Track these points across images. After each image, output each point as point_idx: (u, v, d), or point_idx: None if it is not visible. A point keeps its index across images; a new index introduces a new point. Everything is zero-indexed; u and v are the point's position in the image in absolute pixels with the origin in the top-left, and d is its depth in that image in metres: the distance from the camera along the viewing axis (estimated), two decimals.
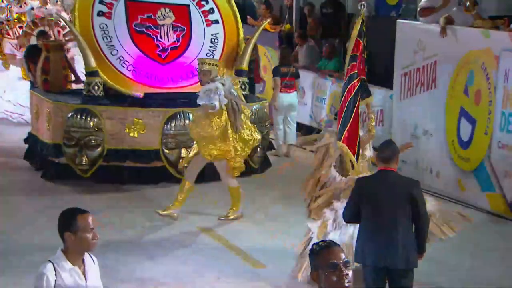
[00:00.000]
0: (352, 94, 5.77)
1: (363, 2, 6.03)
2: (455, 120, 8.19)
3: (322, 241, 3.05)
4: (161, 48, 8.85)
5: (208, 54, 9.04)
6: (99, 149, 8.30)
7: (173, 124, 8.35)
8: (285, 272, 5.89)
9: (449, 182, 8.25)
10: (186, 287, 5.76)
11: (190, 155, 7.32)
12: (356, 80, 5.77)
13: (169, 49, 8.85)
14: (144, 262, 6.10)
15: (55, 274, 3.44)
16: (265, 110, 9.12)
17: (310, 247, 5.43)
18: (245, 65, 9.10)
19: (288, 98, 9.79)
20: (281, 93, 9.74)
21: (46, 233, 6.74)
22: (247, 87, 9.22)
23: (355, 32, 5.84)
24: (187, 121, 8.34)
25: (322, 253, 2.93)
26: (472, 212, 7.78)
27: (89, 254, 3.61)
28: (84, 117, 8.29)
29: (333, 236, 5.41)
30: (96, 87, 8.55)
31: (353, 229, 5.32)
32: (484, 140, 7.77)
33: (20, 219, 7.25)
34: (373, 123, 6.36)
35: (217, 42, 9.15)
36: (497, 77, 7.56)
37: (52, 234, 6.97)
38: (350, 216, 4.85)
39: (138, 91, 8.59)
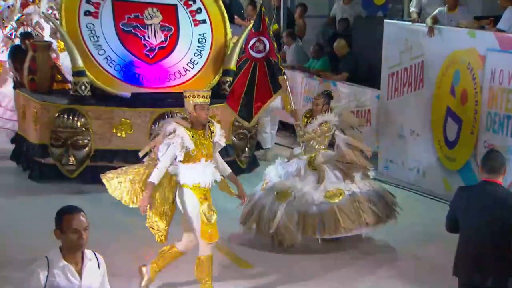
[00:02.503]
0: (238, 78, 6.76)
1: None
2: (442, 120, 8.23)
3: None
4: (148, 48, 8.84)
5: (196, 54, 9.05)
6: (86, 149, 8.29)
7: (160, 124, 8.33)
8: None
9: (435, 182, 8.30)
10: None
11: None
12: (247, 66, 6.70)
13: (156, 49, 8.83)
14: (131, 263, 6.09)
15: (47, 270, 3.45)
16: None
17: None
18: (232, 65, 9.10)
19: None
20: None
21: (33, 233, 6.74)
22: None
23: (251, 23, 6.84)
24: None
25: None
26: None
27: (95, 254, 3.63)
28: (71, 117, 8.26)
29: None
30: (83, 87, 8.53)
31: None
32: (470, 140, 7.82)
33: (6, 220, 7.21)
34: (291, 100, 6.86)
35: (205, 42, 9.15)
36: (483, 77, 7.61)
37: (39, 234, 6.96)
38: (449, 225, 4.48)
39: (126, 91, 8.58)
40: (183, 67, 8.88)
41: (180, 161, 5.42)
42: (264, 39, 6.71)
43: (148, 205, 5.39)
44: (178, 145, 5.35)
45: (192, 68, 8.98)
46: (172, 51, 8.89)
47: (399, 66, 8.86)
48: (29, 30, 10.74)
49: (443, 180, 8.19)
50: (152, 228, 5.53)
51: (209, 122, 5.55)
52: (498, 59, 7.43)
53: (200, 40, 9.15)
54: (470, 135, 7.83)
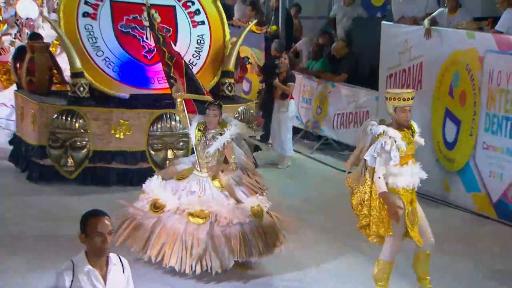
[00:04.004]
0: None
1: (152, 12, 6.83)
2: (441, 121, 8.23)
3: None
4: (147, 49, 8.83)
5: (194, 55, 9.04)
6: (85, 150, 8.27)
7: (159, 126, 8.33)
8: None
9: (435, 183, 8.26)
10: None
11: None
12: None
13: (155, 50, 8.80)
14: (131, 264, 6.05)
15: (72, 275, 3.44)
16: (251, 111, 9.12)
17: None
18: (231, 66, 9.10)
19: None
20: (291, 100, 9.57)
21: (32, 235, 6.72)
22: (233, 88, 9.22)
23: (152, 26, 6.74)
24: (173, 123, 8.33)
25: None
26: (458, 213, 7.86)
27: (119, 258, 3.61)
28: (69, 118, 8.25)
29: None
30: (81, 88, 8.51)
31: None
32: (469, 141, 7.81)
33: (4, 221, 7.19)
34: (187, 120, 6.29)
35: (203, 43, 9.14)
36: (482, 78, 7.61)
37: (37, 236, 6.93)
38: None
39: (124, 92, 8.57)
40: None
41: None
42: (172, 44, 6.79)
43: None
44: (394, 148, 5.13)
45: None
46: None
47: (398, 67, 8.85)
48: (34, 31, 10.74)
49: (443, 181, 8.19)
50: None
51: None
52: (497, 60, 7.43)
53: (199, 41, 9.14)
54: (469, 136, 7.83)
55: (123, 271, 3.60)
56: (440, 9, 8.55)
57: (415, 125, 5.39)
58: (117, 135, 8.30)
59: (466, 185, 7.87)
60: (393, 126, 5.24)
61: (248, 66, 10.15)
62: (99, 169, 8.35)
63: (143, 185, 6.32)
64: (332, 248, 6.71)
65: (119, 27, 8.80)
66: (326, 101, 10.28)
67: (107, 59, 8.67)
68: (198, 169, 6.04)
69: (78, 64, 8.47)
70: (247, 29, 9.49)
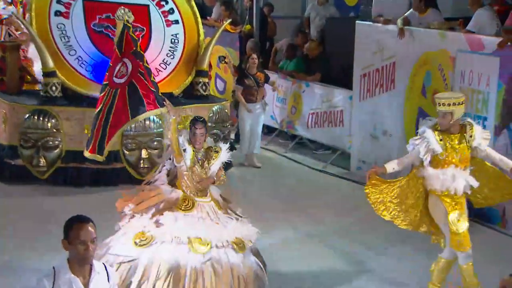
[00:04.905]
0: (100, 106, 5.89)
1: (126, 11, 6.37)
2: (414, 121, 8.30)
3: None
4: None
5: (168, 55, 9.00)
6: (57, 150, 8.20)
7: (133, 125, 8.27)
8: None
9: None
10: None
11: None
12: (105, 92, 5.90)
13: None
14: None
15: (53, 282, 3.36)
16: (226, 110, 9.10)
17: None
18: (205, 66, 9.08)
19: None
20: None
21: (3, 236, 6.64)
22: (208, 87, 9.20)
23: (114, 40, 6.01)
24: (147, 122, 8.29)
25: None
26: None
27: (105, 267, 3.53)
28: (41, 118, 8.18)
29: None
30: (54, 88, 8.43)
31: None
32: None
33: None
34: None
35: (178, 42, 9.11)
36: (454, 78, 7.69)
37: (8, 238, 6.84)
38: None
39: (97, 92, 8.44)
40: (156, 68, 8.82)
41: (429, 165, 5.22)
42: (127, 61, 5.99)
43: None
44: (423, 147, 5.20)
45: (164, 69, 8.93)
46: (144, 51, 8.71)
47: (371, 67, 8.91)
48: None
49: None
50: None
51: (468, 125, 5.26)
52: (468, 60, 7.51)
53: (173, 40, 9.10)
54: None
55: (108, 280, 3.50)
56: (412, 10, 8.62)
57: (476, 130, 5.26)
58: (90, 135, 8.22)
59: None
60: (440, 129, 5.24)
61: (223, 65, 10.15)
62: (72, 169, 8.27)
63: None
64: (306, 247, 6.73)
65: (92, 26, 8.73)
66: (301, 101, 10.31)
67: (80, 58, 8.60)
68: (194, 194, 5.38)
69: (50, 63, 8.39)
70: (221, 28, 9.48)
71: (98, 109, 5.93)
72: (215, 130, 8.79)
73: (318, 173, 9.36)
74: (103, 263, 3.56)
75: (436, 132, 5.21)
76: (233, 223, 5.31)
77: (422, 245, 6.51)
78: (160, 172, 5.51)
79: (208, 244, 5.09)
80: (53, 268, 3.42)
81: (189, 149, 5.37)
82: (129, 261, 5.05)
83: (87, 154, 6.02)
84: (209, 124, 8.60)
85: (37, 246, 6.39)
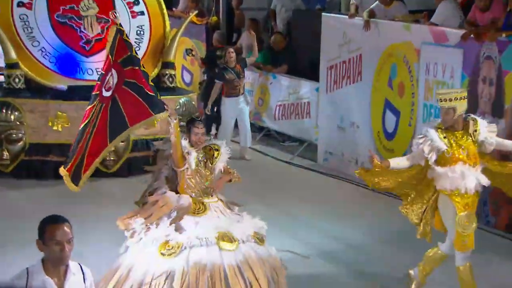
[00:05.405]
0: (87, 120, 5.19)
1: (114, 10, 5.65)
2: (380, 112, 8.37)
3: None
4: (85, 39, 8.67)
5: (134, 46, 8.88)
6: (21, 143, 8.10)
7: None
8: None
9: None
10: None
11: None
12: (95, 104, 5.19)
13: (93, 41, 8.66)
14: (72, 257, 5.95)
15: (26, 284, 3.26)
16: (193, 103, 9.06)
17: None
18: (172, 57, 9.02)
19: None
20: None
21: None
22: (174, 79, 9.15)
23: (107, 46, 5.29)
24: None
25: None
26: (397, 202, 7.97)
27: (81, 267, 3.43)
28: (4, 111, 8.07)
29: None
30: (17, 80, 8.31)
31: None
32: (408, 131, 7.97)
33: None
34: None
35: (143, 34, 9.03)
36: (419, 69, 7.76)
37: None
38: None
39: (62, 84, 8.42)
40: None
41: (435, 164, 5.07)
42: (114, 72, 5.25)
43: None
44: (426, 146, 5.06)
45: None
46: None
47: (338, 59, 8.94)
48: None
49: None
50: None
51: (472, 120, 5.11)
52: (432, 52, 7.59)
53: (138, 32, 9.01)
54: (408, 126, 7.98)
55: (84, 281, 3.42)
56: (378, 2, 8.67)
57: (480, 124, 5.11)
58: (55, 128, 8.14)
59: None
60: (444, 126, 5.12)
61: (189, 57, 10.09)
62: (36, 162, 8.16)
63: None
64: (276, 239, 6.73)
65: (55, 17, 8.61)
66: (268, 93, 10.31)
67: (43, 50, 8.49)
68: (200, 196, 5.18)
69: (13, 54, 8.27)
70: (188, 20, 9.42)
71: (85, 123, 5.26)
72: (182, 123, 8.73)
73: (286, 164, 9.38)
74: (79, 264, 3.46)
75: (439, 131, 5.09)
76: (244, 218, 5.20)
77: (391, 234, 6.59)
78: (158, 180, 5.21)
79: (235, 241, 4.94)
80: (27, 269, 3.32)
81: (193, 152, 5.16)
82: (161, 274, 4.77)
83: (62, 172, 5.13)
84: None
85: (0, 239, 6.30)
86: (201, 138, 5.22)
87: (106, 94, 5.25)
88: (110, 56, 5.31)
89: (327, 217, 7.28)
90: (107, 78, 5.27)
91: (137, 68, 5.18)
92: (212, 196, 5.24)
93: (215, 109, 10.05)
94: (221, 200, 5.31)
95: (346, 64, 8.83)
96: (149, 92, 5.06)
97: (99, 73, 5.45)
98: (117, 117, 5.08)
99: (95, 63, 8.59)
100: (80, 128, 5.28)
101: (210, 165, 5.24)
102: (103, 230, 6.50)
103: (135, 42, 8.93)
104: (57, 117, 8.15)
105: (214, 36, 10.71)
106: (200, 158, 5.22)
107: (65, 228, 3.30)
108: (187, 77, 11.33)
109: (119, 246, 5.08)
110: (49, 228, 3.29)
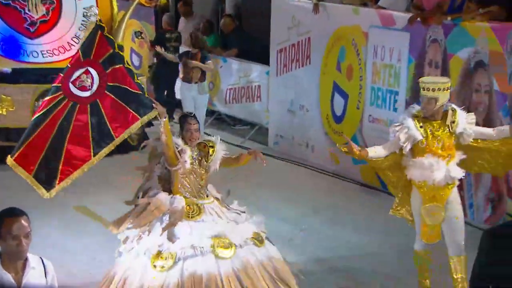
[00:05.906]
0: (43, 111, 4.91)
1: (93, 8, 5.51)
2: (329, 95, 8.43)
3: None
4: (29, 21, 8.46)
5: (81, 28, 8.73)
6: None
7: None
8: None
9: (324, 156, 8.50)
10: None
11: None
12: (55, 95, 4.95)
13: (38, 22, 8.46)
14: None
15: None
16: (142, 86, 8.92)
17: None
18: (120, 40, 8.84)
19: None
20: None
21: None
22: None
23: (80, 42, 5.06)
24: None
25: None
26: (346, 184, 8.09)
27: (42, 261, 3.33)
28: None
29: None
30: None
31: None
32: (356, 114, 8.05)
33: None
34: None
35: (90, 16, 8.84)
36: (367, 53, 7.83)
37: None
38: None
39: (6, 66, 8.25)
40: (68, 42, 8.57)
41: (410, 153, 4.95)
42: (93, 72, 4.98)
43: None
44: (403, 134, 4.90)
45: (77, 43, 8.64)
46: (54, 25, 8.53)
47: (287, 43, 8.96)
48: None
49: (331, 155, 8.40)
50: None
51: (451, 110, 4.93)
52: (380, 36, 7.67)
53: (85, 14, 8.81)
54: (356, 109, 8.06)
55: (45, 275, 3.33)
56: None
57: (459, 115, 4.95)
58: None
59: (353, 157, 8.09)
60: (424, 115, 4.97)
61: (138, 40, 9.95)
62: None
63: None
64: None
65: None
66: (218, 77, 10.26)
67: None
68: (195, 196, 5.02)
69: None
70: (136, 2, 9.23)
71: (40, 114, 4.92)
72: None
73: (237, 148, 9.35)
74: (40, 257, 3.36)
75: (416, 119, 4.98)
76: (242, 218, 5.04)
77: (347, 215, 6.66)
78: (150, 179, 5.01)
79: (232, 247, 4.79)
80: None
81: (187, 149, 4.96)
82: None
83: (10, 161, 4.87)
84: None
85: None
86: (194, 134, 5.01)
87: (79, 93, 4.96)
88: (80, 52, 5.10)
89: (279, 200, 7.29)
90: (77, 73, 5.02)
91: (120, 66, 5.00)
92: (207, 196, 5.07)
93: (165, 93, 9.94)
94: (216, 199, 5.14)
95: (295, 47, 8.85)
96: (134, 91, 4.90)
97: (66, 66, 5.20)
98: (101, 127, 4.85)
99: (40, 45, 8.43)
100: (33, 118, 5.01)
101: (205, 163, 5.06)
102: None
103: (81, 24, 8.76)
104: (1, 100, 8.00)
105: (163, 19, 10.59)
106: (194, 156, 5.04)
107: (23, 221, 3.21)
108: (136, 60, 11.17)
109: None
110: (6, 222, 3.20)
